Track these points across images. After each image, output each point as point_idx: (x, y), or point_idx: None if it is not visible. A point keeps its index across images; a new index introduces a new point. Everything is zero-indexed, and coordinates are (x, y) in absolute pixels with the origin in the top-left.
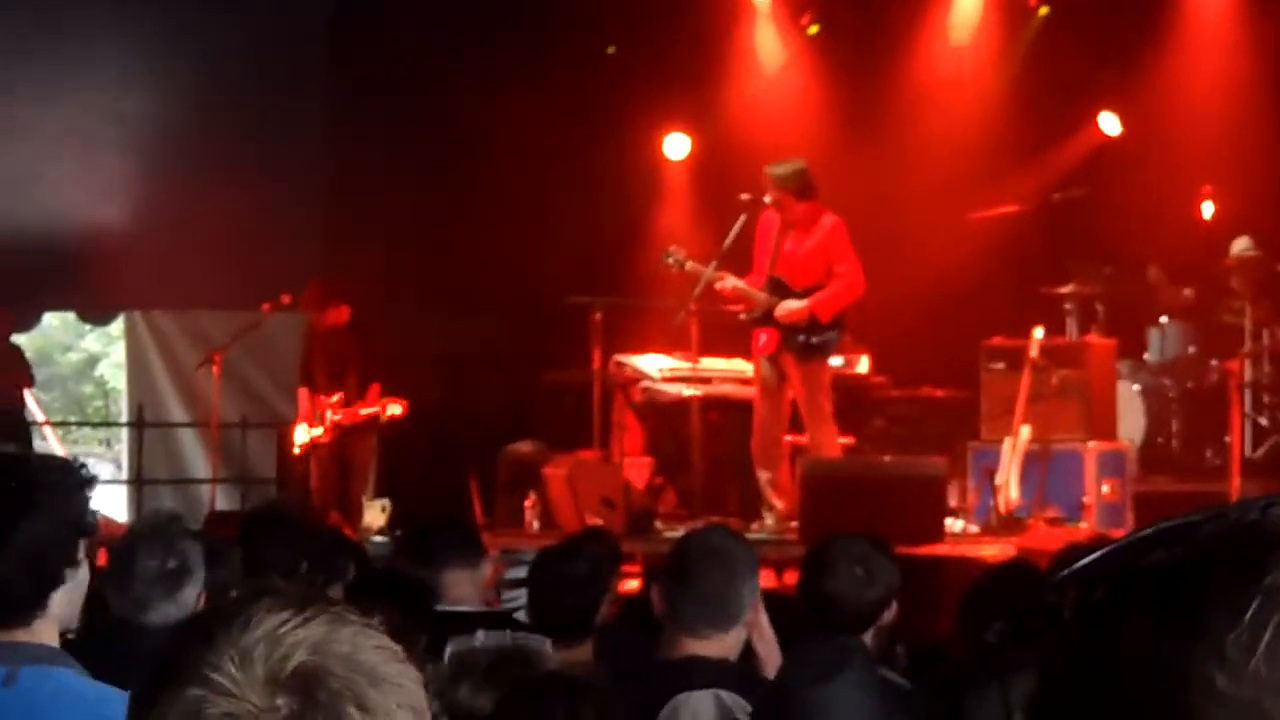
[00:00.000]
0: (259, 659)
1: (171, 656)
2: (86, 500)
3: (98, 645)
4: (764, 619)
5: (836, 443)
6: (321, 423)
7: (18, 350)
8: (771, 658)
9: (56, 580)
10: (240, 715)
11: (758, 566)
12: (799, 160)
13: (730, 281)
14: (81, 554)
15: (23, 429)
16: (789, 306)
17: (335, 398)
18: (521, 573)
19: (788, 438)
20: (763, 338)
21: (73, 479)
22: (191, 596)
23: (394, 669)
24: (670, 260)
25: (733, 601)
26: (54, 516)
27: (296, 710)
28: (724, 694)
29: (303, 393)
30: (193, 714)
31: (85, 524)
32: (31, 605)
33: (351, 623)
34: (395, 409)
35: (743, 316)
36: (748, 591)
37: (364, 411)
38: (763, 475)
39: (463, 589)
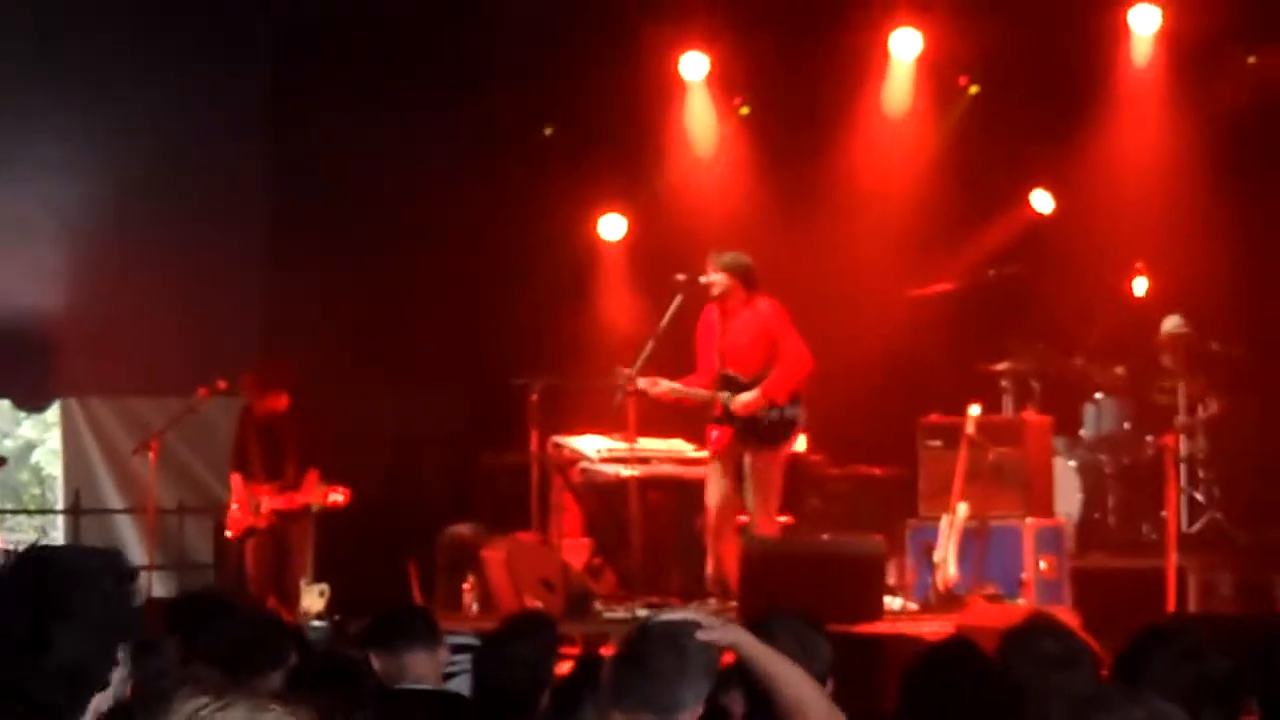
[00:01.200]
0: None
1: None
2: (130, 596)
3: None
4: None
5: (775, 523)
6: (257, 509)
7: None
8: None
9: (94, 689)
10: None
11: (714, 670)
12: (737, 252)
13: (664, 385)
14: (121, 653)
15: None
16: (743, 400)
17: (271, 484)
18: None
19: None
20: (714, 434)
21: (113, 572)
22: (118, 683)
23: None
24: (621, 381)
25: (680, 693)
26: (94, 621)
27: None
28: None
29: (236, 478)
30: None
31: (128, 626)
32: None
33: (271, 710)
34: (337, 497)
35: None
36: (694, 690)
37: (301, 498)
38: (710, 559)
39: (422, 669)
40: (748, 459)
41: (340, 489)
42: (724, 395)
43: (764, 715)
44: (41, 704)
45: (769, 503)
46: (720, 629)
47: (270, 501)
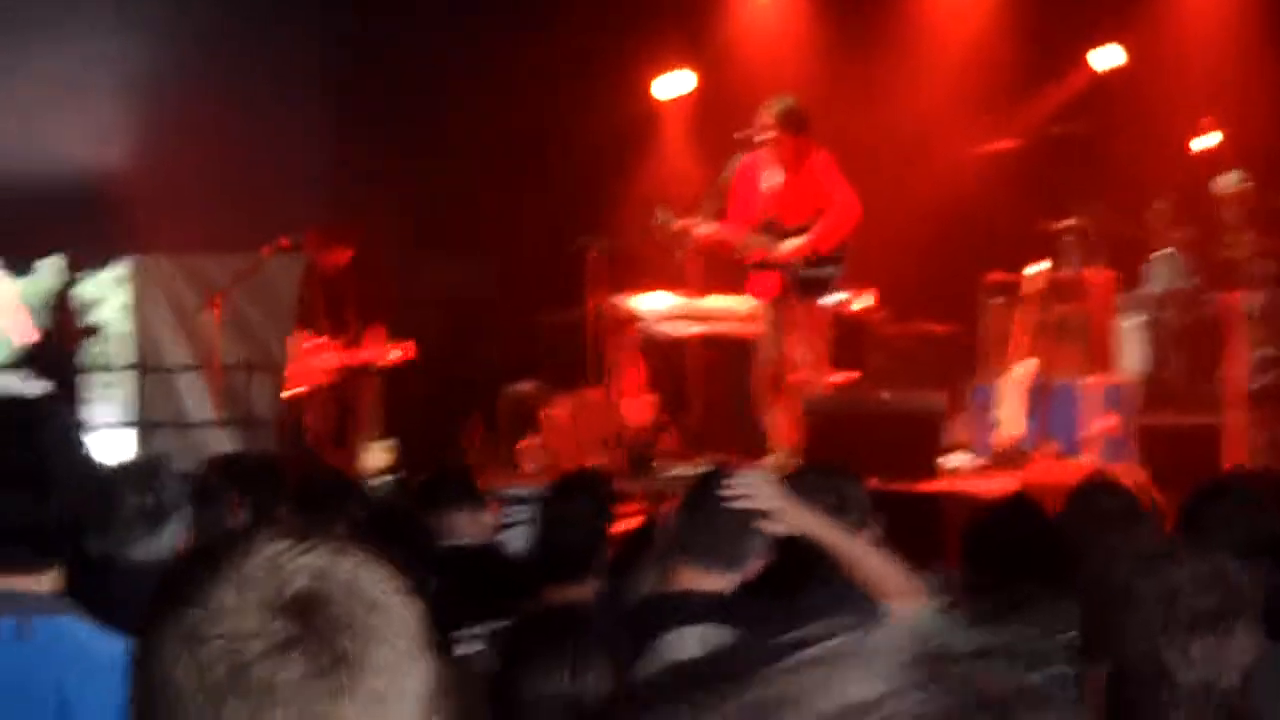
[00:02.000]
0: (258, 583)
1: (172, 581)
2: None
3: (79, 584)
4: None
5: (827, 376)
6: (320, 365)
7: None
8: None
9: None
10: (237, 637)
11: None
12: (788, 97)
13: (707, 227)
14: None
15: None
16: (790, 244)
17: (334, 340)
18: (520, 512)
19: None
20: (762, 281)
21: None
22: (174, 534)
23: (394, 600)
24: (660, 221)
25: (745, 543)
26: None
27: (294, 634)
28: (713, 629)
29: (299, 335)
30: (190, 635)
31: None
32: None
33: (353, 554)
34: (397, 353)
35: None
36: (758, 542)
37: (365, 354)
38: (765, 416)
39: (467, 528)
40: (794, 309)
41: (402, 344)
42: (766, 239)
43: (787, 565)
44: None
45: (818, 354)
46: (782, 514)
47: (333, 357)
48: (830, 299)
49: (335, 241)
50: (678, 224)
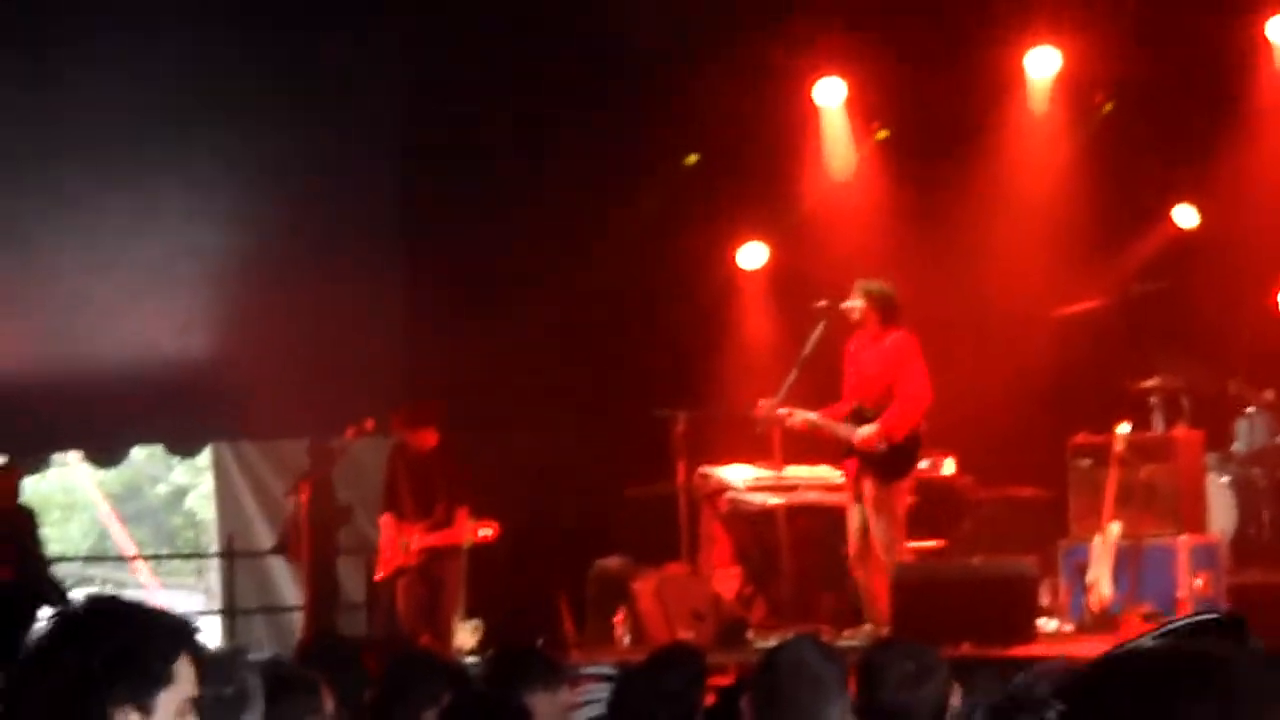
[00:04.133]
0: None
1: None
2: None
3: None
4: None
5: (903, 553)
6: (408, 548)
7: (25, 512)
8: None
9: None
10: None
11: (847, 681)
12: (881, 283)
13: (800, 416)
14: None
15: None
16: (862, 433)
17: (422, 523)
18: (599, 690)
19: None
20: (847, 465)
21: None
22: None
23: None
24: (764, 410)
25: (813, 714)
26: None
27: None
28: None
29: (387, 518)
30: None
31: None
32: None
33: None
34: (486, 531)
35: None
36: (837, 709)
37: (452, 535)
38: (859, 588)
39: (544, 709)
40: (869, 490)
41: (489, 523)
42: (847, 428)
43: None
44: None
45: (893, 533)
46: None
47: (421, 539)
48: (911, 477)
49: (421, 422)
50: (780, 411)
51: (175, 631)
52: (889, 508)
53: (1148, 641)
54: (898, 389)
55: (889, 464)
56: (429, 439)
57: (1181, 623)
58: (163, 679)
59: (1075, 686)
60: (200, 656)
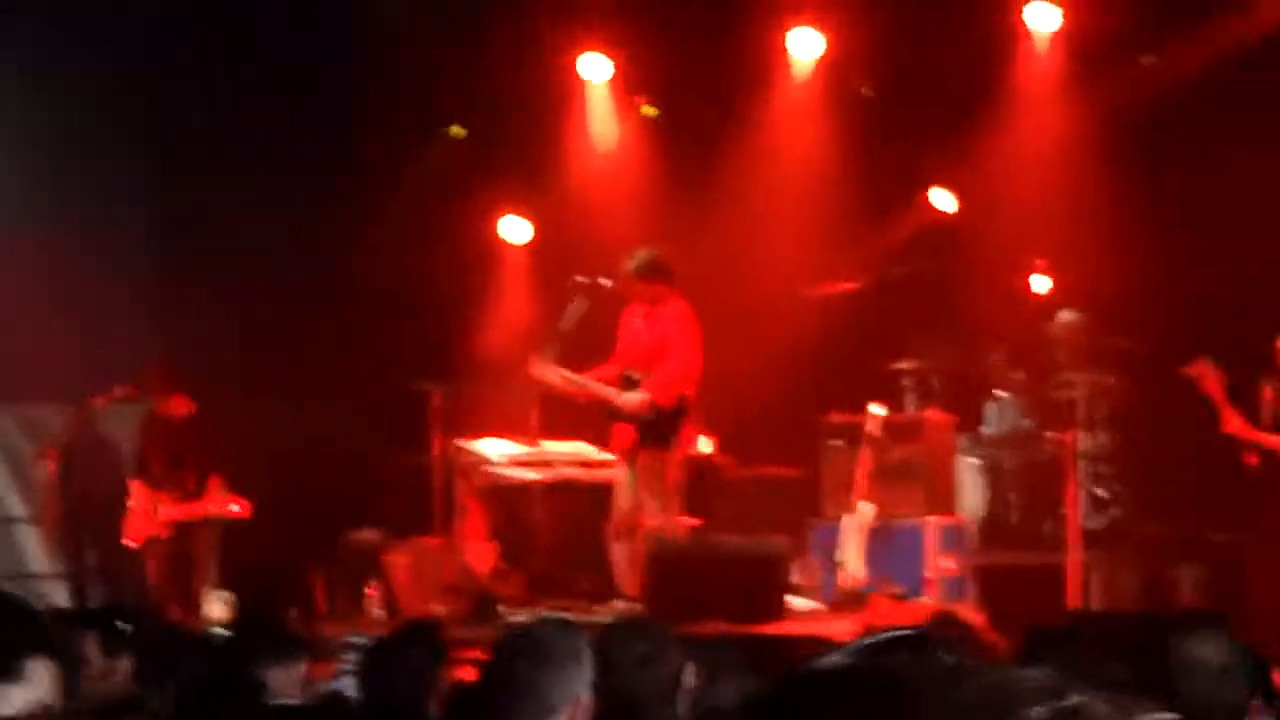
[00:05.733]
0: None
1: None
2: None
3: None
4: None
5: (677, 523)
6: (157, 517)
7: None
8: None
9: None
10: None
11: (584, 659)
12: (648, 250)
13: (564, 375)
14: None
15: None
16: (629, 399)
17: (173, 492)
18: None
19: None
20: (618, 430)
21: None
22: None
23: None
24: (539, 370)
25: (544, 696)
26: None
27: None
28: None
29: (137, 485)
30: None
31: None
32: None
33: None
34: (234, 508)
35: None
36: (562, 687)
37: (201, 509)
38: (616, 557)
39: (283, 683)
40: (641, 458)
41: (238, 500)
42: (615, 391)
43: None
44: None
45: (665, 503)
46: None
47: (170, 510)
48: (686, 446)
49: (173, 391)
50: (548, 371)
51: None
52: (659, 475)
53: (836, 659)
54: (671, 354)
55: (658, 431)
56: (180, 406)
57: (872, 640)
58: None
59: (757, 707)
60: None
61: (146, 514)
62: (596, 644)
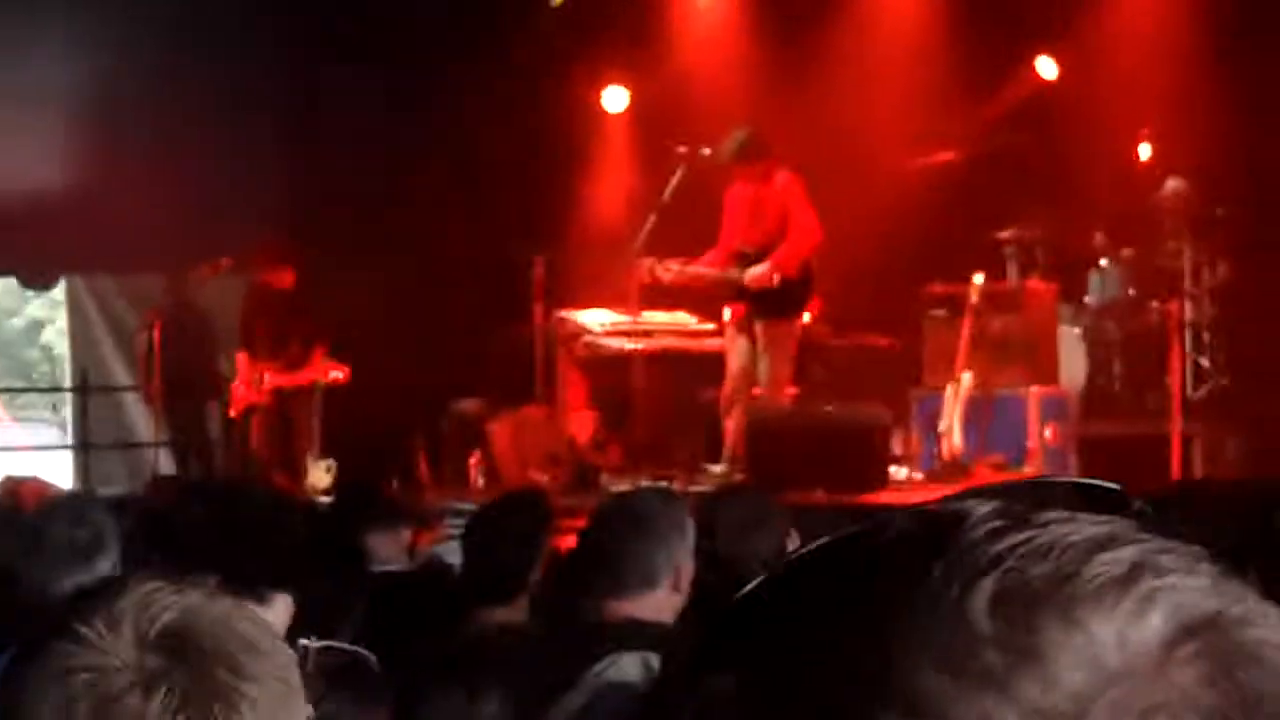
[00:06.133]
0: (128, 619)
1: (46, 618)
2: None
3: (7, 615)
4: None
5: (788, 394)
6: (261, 386)
7: None
8: None
9: None
10: (107, 670)
11: (684, 528)
12: (742, 129)
13: (675, 269)
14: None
15: None
16: (753, 273)
17: (276, 361)
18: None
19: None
20: (728, 311)
21: None
22: (104, 569)
23: (267, 641)
24: (646, 266)
25: (646, 565)
26: None
27: (164, 668)
28: (652, 657)
29: (242, 356)
30: (59, 669)
31: None
32: None
33: (224, 600)
34: (336, 374)
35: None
36: (664, 555)
37: (304, 375)
38: (729, 423)
39: (387, 550)
40: (760, 330)
41: (340, 366)
42: (732, 273)
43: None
44: None
45: (782, 374)
46: None
47: (274, 378)
48: (803, 316)
49: (278, 262)
50: (655, 268)
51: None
52: (782, 345)
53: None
54: (790, 225)
55: (782, 301)
56: (286, 278)
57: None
58: None
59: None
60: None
61: (249, 384)
62: (700, 511)
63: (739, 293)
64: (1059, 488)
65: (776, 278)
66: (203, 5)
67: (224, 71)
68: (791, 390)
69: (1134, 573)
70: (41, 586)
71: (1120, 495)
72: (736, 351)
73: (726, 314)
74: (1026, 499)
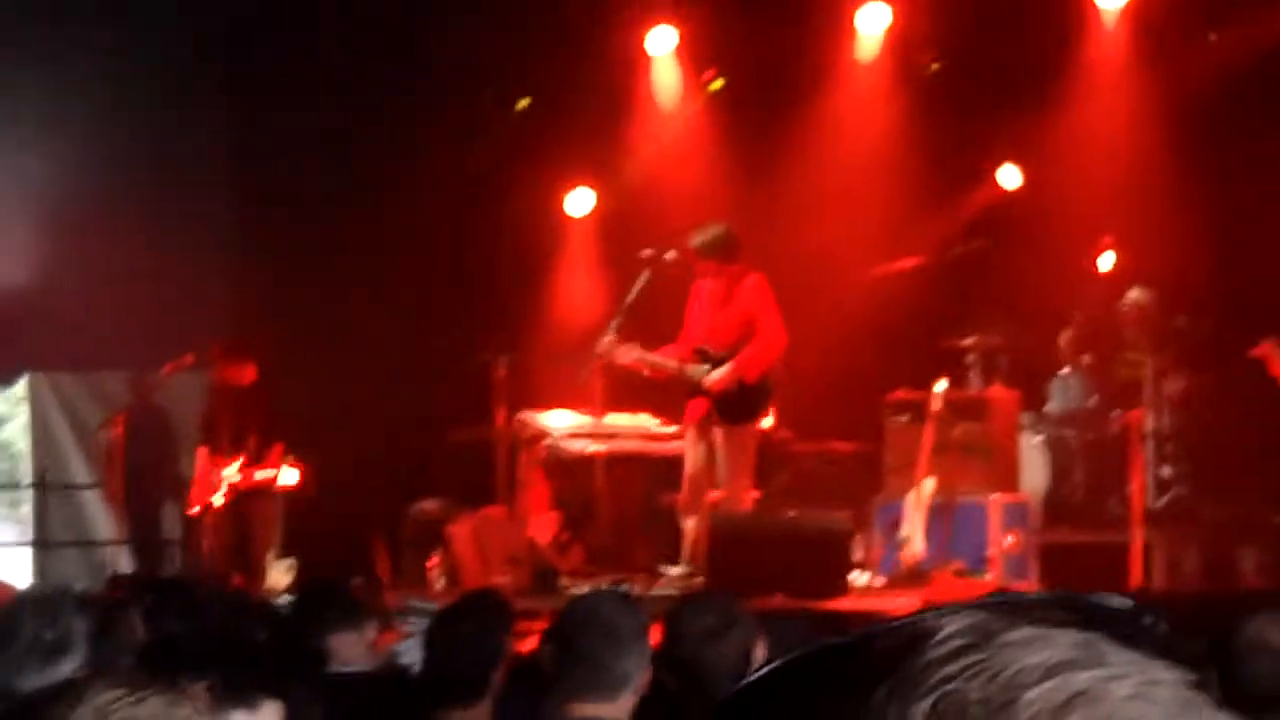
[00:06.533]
0: None
1: None
2: None
3: None
4: None
5: (748, 499)
6: (218, 484)
7: None
8: None
9: None
10: None
11: (647, 634)
12: (718, 225)
13: (636, 354)
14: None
15: None
16: (716, 375)
17: (236, 459)
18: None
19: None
20: (692, 404)
21: None
22: (68, 669)
23: None
24: (603, 348)
25: (617, 671)
26: None
27: None
28: None
29: (201, 453)
30: None
31: None
32: None
33: (184, 708)
34: (291, 474)
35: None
36: (633, 661)
37: (260, 474)
38: (687, 526)
39: (350, 650)
40: (719, 434)
41: (298, 465)
42: (695, 369)
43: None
44: None
45: (741, 478)
46: None
47: (233, 476)
48: (763, 421)
49: (239, 356)
50: (617, 348)
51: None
52: (740, 449)
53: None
54: (756, 329)
55: (742, 405)
56: (247, 374)
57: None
58: None
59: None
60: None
61: (206, 482)
62: (667, 616)
63: (698, 391)
64: (1062, 601)
65: (736, 383)
66: (168, 106)
67: (188, 170)
68: (752, 494)
69: (1071, 703)
70: (5, 684)
71: (1130, 612)
72: (694, 455)
73: (691, 408)
74: (1015, 614)
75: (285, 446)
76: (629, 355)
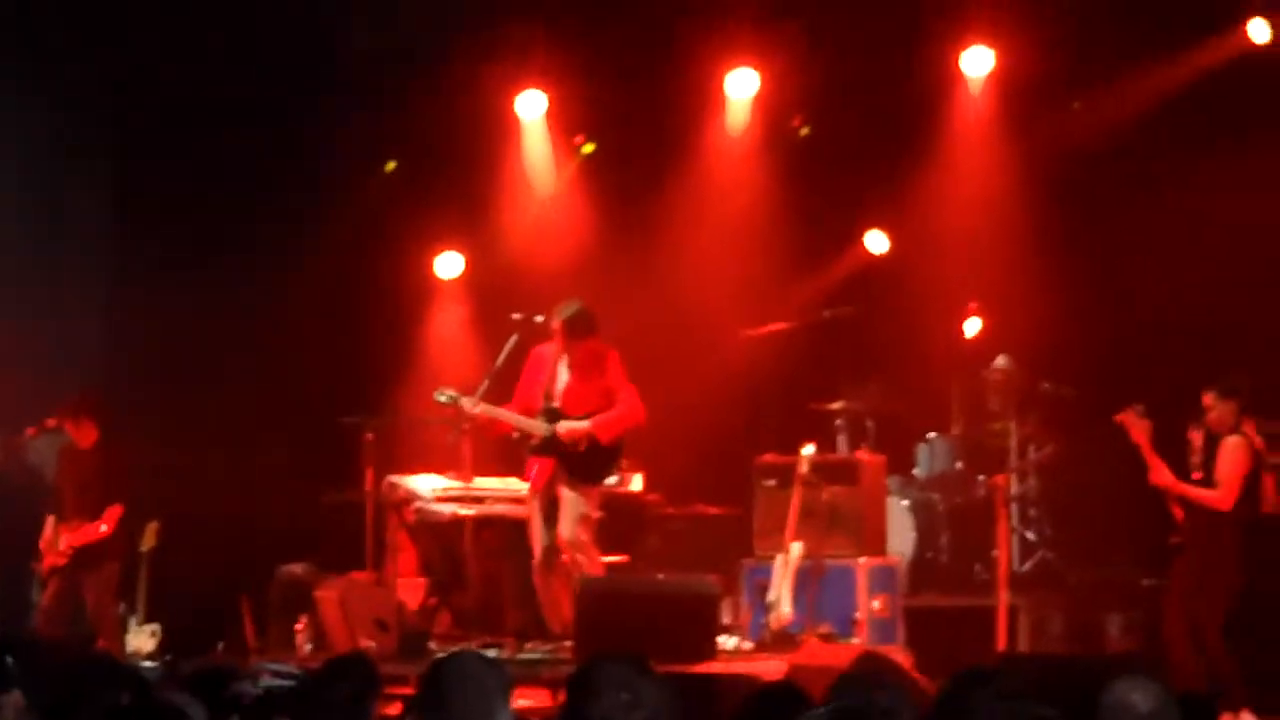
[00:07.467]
0: None
1: None
2: None
3: None
4: None
5: (597, 559)
6: (59, 546)
7: None
8: None
9: None
10: None
11: (510, 690)
12: (575, 301)
13: (485, 407)
14: None
15: None
16: (569, 426)
17: (76, 521)
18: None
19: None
20: (535, 468)
21: None
22: None
23: None
24: (444, 399)
25: None
26: None
27: None
28: None
29: (49, 518)
30: None
31: None
32: None
33: None
34: (103, 527)
35: (515, 435)
36: (500, 717)
37: (92, 535)
38: (542, 599)
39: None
40: (565, 492)
41: (105, 519)
42: (545, 426)
43: None
44: None
45: (585, 538)
46: None
47: (68, 538)
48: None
49: (80, 415)
50: (463, 400)
51: None
52: (583, 510)
53: None
54: (619, 398)
55: (587, 465)
56: (88, 434)
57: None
58: None
59: None
60: None
61: (48, 545)
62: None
63: (545, 446)
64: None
65: (587, 440)
66: (33, 159)
67: (60, 231)
68: (607, 556)
69: None
70: None
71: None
72: (538, 519)
73: (534, 470)
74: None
75: (122, 508)
76: (477, 407)
